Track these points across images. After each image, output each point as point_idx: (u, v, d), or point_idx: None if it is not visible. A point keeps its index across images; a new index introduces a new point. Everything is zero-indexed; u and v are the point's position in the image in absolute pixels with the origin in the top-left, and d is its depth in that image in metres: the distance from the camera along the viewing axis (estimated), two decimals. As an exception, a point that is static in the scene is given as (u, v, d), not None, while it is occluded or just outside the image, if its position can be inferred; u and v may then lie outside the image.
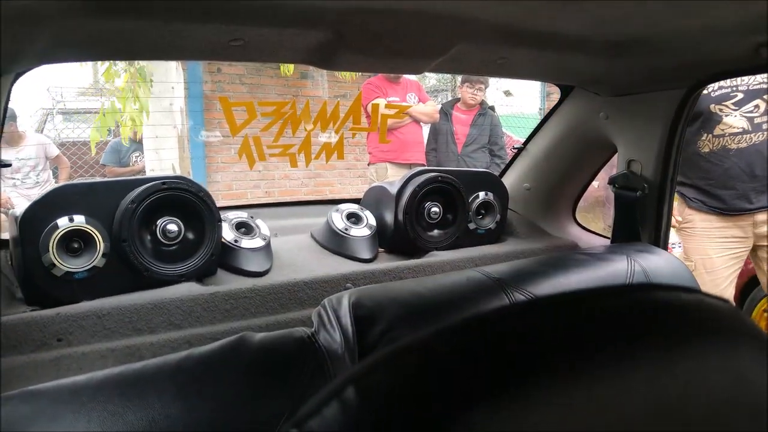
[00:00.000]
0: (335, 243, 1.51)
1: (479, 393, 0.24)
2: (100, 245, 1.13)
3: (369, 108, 3.37)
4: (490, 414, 0.24)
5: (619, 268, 1.23)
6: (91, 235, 1.13)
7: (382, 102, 3.57)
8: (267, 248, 1.38)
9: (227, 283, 1.26)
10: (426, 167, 1.62)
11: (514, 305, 0.29)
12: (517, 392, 0.24)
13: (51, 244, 1.09)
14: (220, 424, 0.70)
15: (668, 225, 1.53)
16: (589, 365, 0.26)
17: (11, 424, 0.63)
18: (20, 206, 1.20)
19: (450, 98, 6.48)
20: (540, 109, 7.34)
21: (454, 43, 1.08)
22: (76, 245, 1.13)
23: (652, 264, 1.27)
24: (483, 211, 1.70)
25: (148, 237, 1.20)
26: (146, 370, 0.74)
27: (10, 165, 1.23)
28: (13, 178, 4.70)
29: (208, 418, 0.70)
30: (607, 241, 1.70)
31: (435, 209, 1.57)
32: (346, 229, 1.51)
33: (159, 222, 1.20)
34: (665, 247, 1.52)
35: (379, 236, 1.57)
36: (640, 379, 0.27)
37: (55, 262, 1.09)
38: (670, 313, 0.30)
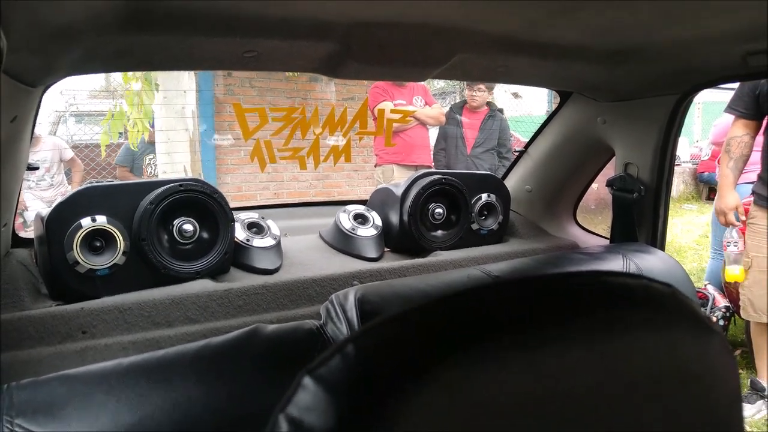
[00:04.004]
0: (343, 242, 1.57)
1: (442, 355, 0.31)
2: (121, 244, 1.20)
3: (376, 111, 3.42)
4: (449, 373, 0.31)
5: (614, 267, 1.28)
6: (112, 234, 1.19)
7: (388, 106, 3.62)
8: (277, 247, 1.44)
9: (240, 280, 1.32)
10: (430, 170, 1.67)
11: (477, 287, 0.35)
12: (474, 355, 0.31)
13: (75, 243, 1.15)
14: (236, 406, 0.77)
15: (665, 225, 1.57)
16: (537, 339, 0.32)
17: (49, 404, 0.70)
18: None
19: (458, 100, 6.52)
20: (548, 111, 7.37)
21: (456, 53, 1.13)
22: (98, 244, 1.20)
23: (647, 263, 1.32)
24: (485, 213, 1.75)
25: (166, 236, 1.27)
26: (168, 356, 0.81)
27: (37, 168, 1.29)
28: (28, 180, 4.78)
29: (225, 400, 0.76)
30: (607, 242, 1.74)
31: (439, 210, 1.62)
32: (353, 229, 1.57)
33: (176, 222, 1.26)
34: (662, 247, 1.57)
35: (385, 236, 1.62)
36: (585, 351, 0.33)
37: (79, 259, 1.16)
38: (615, 296, 0.35)
